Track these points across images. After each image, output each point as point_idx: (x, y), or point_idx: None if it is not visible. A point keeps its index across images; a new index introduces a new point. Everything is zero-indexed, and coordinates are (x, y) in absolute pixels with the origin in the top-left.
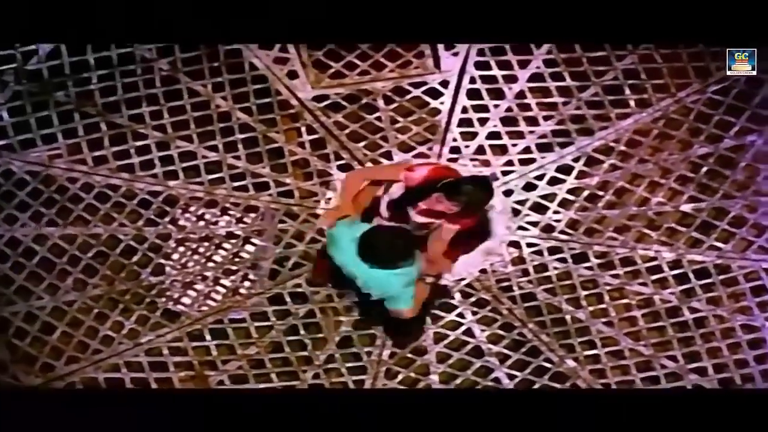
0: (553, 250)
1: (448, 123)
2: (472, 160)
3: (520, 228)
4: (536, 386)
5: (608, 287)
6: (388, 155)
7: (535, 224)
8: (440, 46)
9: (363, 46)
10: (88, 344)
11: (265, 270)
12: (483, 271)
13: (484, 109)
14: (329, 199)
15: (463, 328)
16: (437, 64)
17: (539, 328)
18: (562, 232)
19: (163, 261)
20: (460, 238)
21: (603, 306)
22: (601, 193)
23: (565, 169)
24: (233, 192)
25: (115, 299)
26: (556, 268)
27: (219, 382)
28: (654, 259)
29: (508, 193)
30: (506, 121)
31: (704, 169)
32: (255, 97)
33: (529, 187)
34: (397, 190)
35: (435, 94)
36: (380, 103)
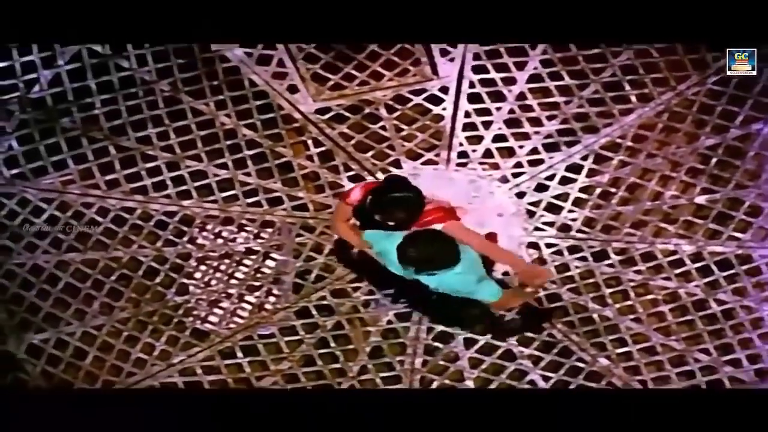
0: (572, 250)
1: (453, 128)
2: (480, 163)
3: (537, 229)
4: (572, 386)
5: (632, 283)
6: (396, 164)
7: (551, 224)
8: (436, 53)
9: (360, 56)
10: (121, 368)
11: (288, 284)
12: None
13: (487, 112)
14: None
15: None
16: (435, 71)
17: (568, 328)
18: (579, 230)
19: (186, 280)
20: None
21: (629, 302)
22: (613, 189)
23: (575, 168)
24: (248, 208)
25: (143, 321)
26: (577, 267)
27: None
28: (674, 252)
29: (520, 195)
30: (510, 123)
31: (714, 160)
32: (258, 113)
33: (541, 187)
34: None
35: (436, 100)
36: (383, 112)
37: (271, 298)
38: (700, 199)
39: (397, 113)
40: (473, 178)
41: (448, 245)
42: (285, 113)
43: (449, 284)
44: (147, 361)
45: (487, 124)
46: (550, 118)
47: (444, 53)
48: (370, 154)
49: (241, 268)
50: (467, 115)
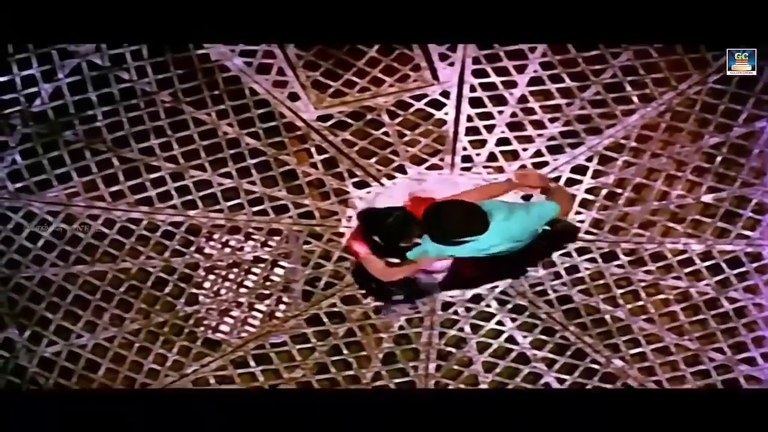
0: (581, 251)
1: (456, 132)
2: (485, 167)
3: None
4: (588, 387)
5: (643, 284)
6: (401, 169)
7: None
8: (435, 58)
9: (359, 62)
10: (134, 379)
11: (298, 292)
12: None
13: (489, 116)
14: (350, 217)
15: (505, 335)
16: (435, 76)
17: (581, 330)
18: (587, 232)
19: (195, 290)
20: None
21: (641, 303)
22: (619, 190)
23: (580, 170)
24: (254, 217)
25: (154, 332)
26: (587, 269)
27: None
28: (684, 252)
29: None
30: (513, 126)
31: (719, 158)
32: (260, 122)
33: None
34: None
35: (437, 105)
36: (385, 118)
37: (282, 306)
38: (707, 198)
39: (400, 119)
40: (479, 182)
41: (467, 204)
42: (287, 121)
43: (516, 230)
44: (160, 372)
45: (489, 128)
46: (552, 120)
47: (443, 57)
48: (374, 160)
49: (250, 276)
50: (469, 119)
